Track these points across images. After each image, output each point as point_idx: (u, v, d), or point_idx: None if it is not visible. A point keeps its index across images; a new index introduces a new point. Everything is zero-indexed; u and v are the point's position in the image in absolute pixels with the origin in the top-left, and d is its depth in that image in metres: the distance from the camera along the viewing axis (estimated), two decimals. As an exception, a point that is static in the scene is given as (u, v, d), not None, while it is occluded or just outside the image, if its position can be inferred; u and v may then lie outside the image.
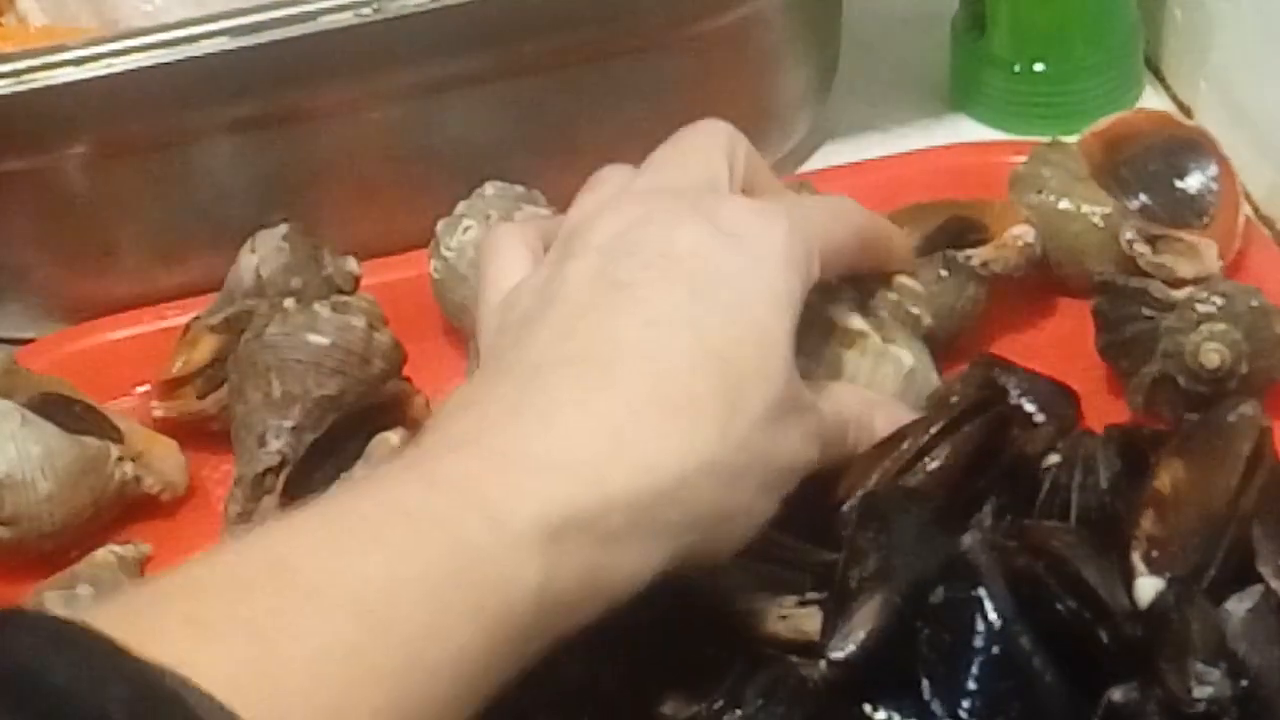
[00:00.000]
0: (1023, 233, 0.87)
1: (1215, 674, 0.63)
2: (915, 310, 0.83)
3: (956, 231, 0.89)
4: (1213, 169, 0.90)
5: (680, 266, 0.68)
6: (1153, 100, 1.05)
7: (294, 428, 0.82)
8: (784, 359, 0.68)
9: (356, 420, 0.83)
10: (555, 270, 0.70)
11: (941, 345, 0.85)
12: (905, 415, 0.76)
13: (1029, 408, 0.82)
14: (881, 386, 0.79)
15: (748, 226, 0.70)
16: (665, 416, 0.64)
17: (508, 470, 0.61)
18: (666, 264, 0.68)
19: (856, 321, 0.80)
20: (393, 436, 0.82)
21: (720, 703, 0.66)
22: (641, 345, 0.66)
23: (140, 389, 0.91)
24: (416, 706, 0.56)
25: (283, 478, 0.82)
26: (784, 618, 0.69)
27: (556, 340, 0.67)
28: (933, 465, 0.73)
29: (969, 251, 0.87)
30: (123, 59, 0.88)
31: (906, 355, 0.80)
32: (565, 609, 0.60)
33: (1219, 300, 0.80)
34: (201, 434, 0.88)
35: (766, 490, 0.67)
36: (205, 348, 0.89)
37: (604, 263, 0.69)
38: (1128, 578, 0.67)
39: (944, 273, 0.86)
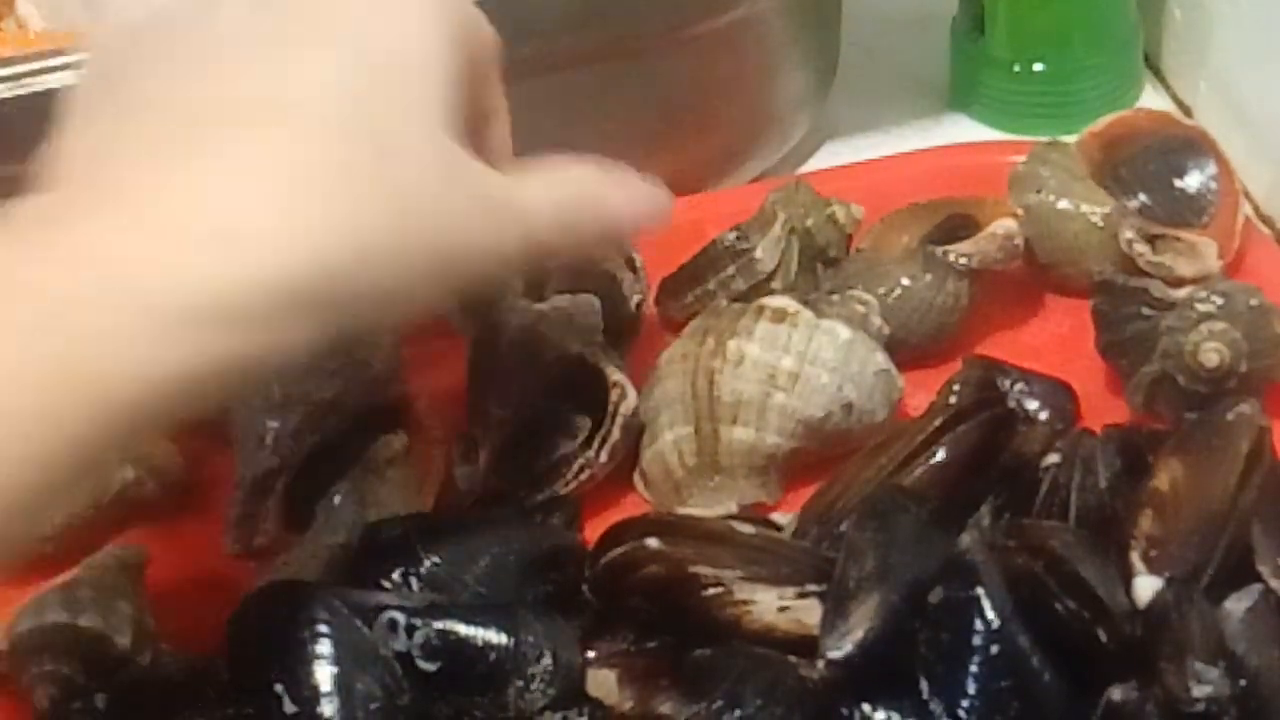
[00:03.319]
0: (1004, 226, 0.87)
1: (1214, 673, 0.63)
2: (861, 309, 0.83)
3: (954, 230, 0.89)
4: (1212, 168, 0.90)
5: (331, 22, 0.63)
6: (1152, 100, 1.05)
7: (294, 430, 0.82)
8: (430, 124, 0.63)
9: (357, 423, 0.83)
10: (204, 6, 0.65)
11: (925, 342, 0.85)
12: (655, 192, 0.71)
13: (1029, 405, 0.82)
14: (819, 357, 0.79)
15: None
16: (325, 193, 0.59)
17: (160, 248, 0.57)
18: (316, 17, 0.63)
19: (787, 302, 0.80)
20: (395, 440, 0.82)
21: (719, 703, 0.66)
22: (299, 108, 0.61)
23: (140, 392, 0.91)
24: (31, 494, 0.55)
25: (283, 481, 0.82)
26: (784, 609, 0.69)
27: (208, 89, 0.62)
28: (930, 463, 0.73)
29: (948, 247, 0.87)
30: (121, 63, 0.88)
31: (842, 328, 0.80)
32: (198, 393, 0.58)
33: (1218, 299, 0.80)
34: (202, 437, 0.88)
35: (432, 274, 0.63)
36: (205, 351, 0.89)
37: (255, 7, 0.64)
38: (1126, 577, 0.67)
39: (924, 270, 0.86)
